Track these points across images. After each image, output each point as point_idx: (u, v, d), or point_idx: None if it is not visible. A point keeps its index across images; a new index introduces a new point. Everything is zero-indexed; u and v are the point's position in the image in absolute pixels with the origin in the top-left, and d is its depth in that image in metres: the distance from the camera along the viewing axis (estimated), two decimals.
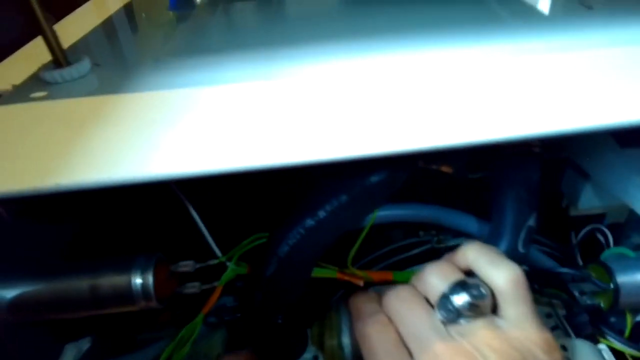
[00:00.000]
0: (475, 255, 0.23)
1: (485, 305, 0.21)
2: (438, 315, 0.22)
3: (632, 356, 0.31)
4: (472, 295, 0.21)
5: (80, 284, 0.25)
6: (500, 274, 0.22)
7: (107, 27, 0.38)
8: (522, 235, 0.25)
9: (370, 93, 0.24)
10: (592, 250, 0.35)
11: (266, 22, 0.39)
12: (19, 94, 0.27)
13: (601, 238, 0.35)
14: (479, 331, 0.20)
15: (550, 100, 0.22)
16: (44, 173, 0.20)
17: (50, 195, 0.19)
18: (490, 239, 0.26)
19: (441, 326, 0.21)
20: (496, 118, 0.21)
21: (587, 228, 0.34)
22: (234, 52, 0.31)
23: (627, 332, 0.31)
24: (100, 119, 0.23)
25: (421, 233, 0.32)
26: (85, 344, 0.31)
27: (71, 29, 0.35)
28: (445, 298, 0.21)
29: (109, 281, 0.25)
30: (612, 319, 0.32)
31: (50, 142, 0.22)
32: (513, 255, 0.25)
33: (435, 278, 0.22)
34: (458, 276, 0.22)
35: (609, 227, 0.35)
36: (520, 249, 0.25)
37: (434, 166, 0.26)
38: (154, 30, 0.39)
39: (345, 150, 0.20)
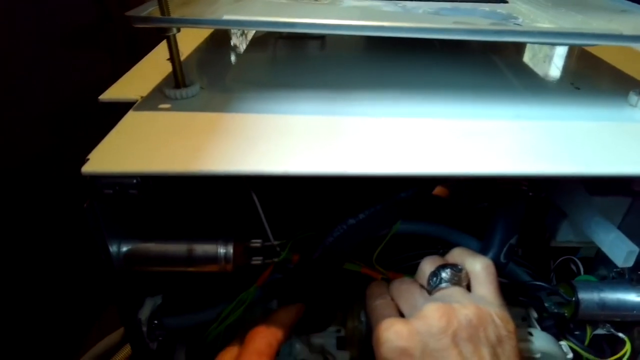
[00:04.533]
0: (459, 252, 0.32)
1: (461, 277, 0.30)
2: (429, 287, 0.30)
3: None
4: (452, 269, 0.29)
5: (181, 247, 0.34)
6: (476, 262, 0.31)
7: (200, 56, 0.48)
8: (505, 249, 0.33)
9: (405, 133, 0.33)
10: (566, 276, 0.43)
11: (318, 59, 0.49)
12: (148, 104, 0.36)
13: (574, 267, 0.43)
14: (454, 292, 0.29)
15: (537, 152, 0.31)
16: (175, 163, 0.29)
17: (167, 180, 0.28)
18: (480, 251, 0.35)
19: (427, 295, 0.30)
20: (496, 159, 0.30)
21: (563, 257, 0.43)
22: (302, 88, 0.40)
23: (587, 341, 0.39)
24: (209, 129, 0.33)
25: (439, 247, 0.41)
26: (158, 299, 0.40)
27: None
28: (432, 274, 0.30)
29: (202, 248, 0.34)
30: (577, 333, 0.41)
31: (179, 142, 0.31)
32: (496, 263, 0.33)
33: (427, 264, 0.32)
34: (443, 262, 0.31)
35: (581, 259, 0.43)
36: (502, 259, 0.34)
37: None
38: (238, 60, 0.49)
39: (382, 169, 0.29)
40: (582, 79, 0.43)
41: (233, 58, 0.51)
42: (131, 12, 0.33)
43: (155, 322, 0.39)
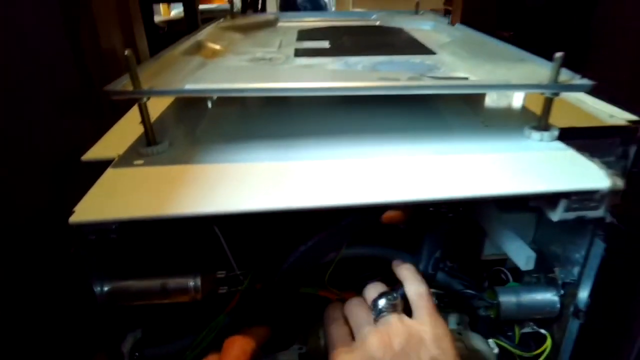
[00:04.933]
0: (403, 274, 0.38)
1: (397, 304, 0.36)
2: (372, 314, 0.36)
3: (519, 356, 0.45)
4: (387, 299, 0.36)
5: (156, 282, 0.40)
6: (411, 288, 0.37)
7: (168, 116, 0.55)
8: (431, 262, 0.40)
9: (344, 170, 0.40)
10: (498, 285, 0.50)
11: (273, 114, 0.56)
12: (124, 161, 0.42)
13: (503, 276, 0.50)
14: (391, 320, 0.35)
15: (451, 179, 0.37)
16: (148, 209, 0.35)
17: (142, 225, 0.34)
18: (413, 263, 0.41)
19: (372, 320, 0.36)
20: (422, 187, 0.36)
21: (494, 269, 0.50)
22: (261, 140, 0.47)
23: (517, 340, 0.45)
24: (177, 179, 0.39)
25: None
26: (138, 333, 0.45)
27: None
28: (374, 302, 0.36)
29: (174, 281, 0.40)
30: (510, 334, 0.47)
31: (151, 192, 0.37)
32: (425, 274, 0.40)
33: (369, 292, 0.38)
34: (383, 289, 0.37)
35: (509, 269, 0.50)
36: (430, 270, 0.40)
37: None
38: (200, 116, 0.56)
39: (324, 202, 0.35)
40: (492, 118, 0.51)
41: (199, 115, 0.58)
42: (108, 87, 0.40)
43: (137, 354, 0.44)
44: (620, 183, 0.35)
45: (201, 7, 1.97)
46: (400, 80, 0.43)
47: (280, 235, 0.43)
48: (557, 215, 0.37)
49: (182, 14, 1.90)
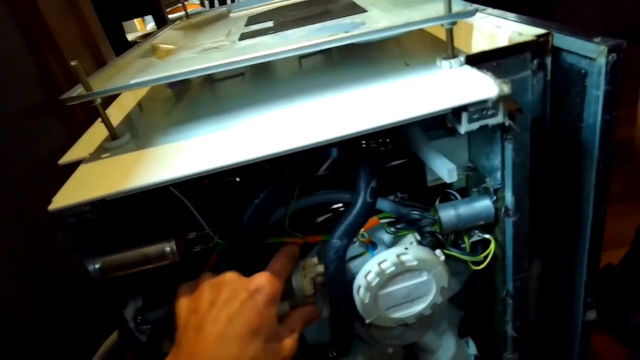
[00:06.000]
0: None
1: None
2: None
3: (470, 262, 0.51)
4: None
5: (137, 252, 0.46)
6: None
7: (133, 114, 0.61)
8: (369, 191, 0.46)
9: (278, 122, 0.45)
10: None
11: (235, 94, 0.62)
12: (94, 157, 0.49)
13: (453, 197, 0.55)
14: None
15: (373, 113, 0.43)
16: (116, 185, 0.41)
17: (113, 202, 0.40)
18: (352, 197, 0.47)
19: None
20: (347, 123, 0.42)
21: (443, 193, 0.55)
22: (207, 117, 0.53)
23: (467, 248, 0.51)
24: (137, 161, 0.45)
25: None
26: (139, 300, 0.51)
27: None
28: None
29: (152, 249, 0.46)
30: (463, 245, 0.52)
31: (115, 175, 0.43)
32: (364, 203, 0.45)
33: None
34: None
35: (457, 190, 0.55)
36: (368, 199, 0.46)
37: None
38: (161, 108, 0.62)
39: (262, 152, 0.41)
40: (413, 57, 0.56)
41: (153, 109, 0.64)
42: (63, 96, 0.46)
43: (139, 318, 0.50)
44: (506, 89, 0.40)
45: (173, 15, 2.02)
46: (311, 41, 0.48)
47: (238, 192, 0.49)
48: (462, 127, 0.42)
49: None
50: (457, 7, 0.46)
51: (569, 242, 0.59)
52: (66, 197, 0.41)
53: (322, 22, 0.67)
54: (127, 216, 0.49)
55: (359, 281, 0.45)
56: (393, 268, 0.44)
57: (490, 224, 0.50)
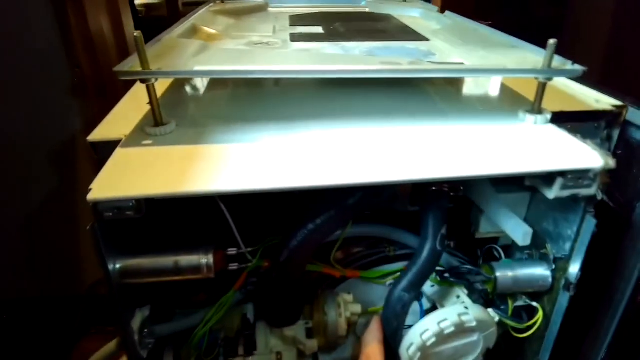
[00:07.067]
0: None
1: None
2: None
3: (511, 327, 0.48)
4: None
5: (169, 260, 0.40)
6: None
7: (164, 101, 0.55)
8: (439, 239, 0.42)
9: (350, 150, 0.41)
10: (490, 261, 0.53)
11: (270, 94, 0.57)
12: (132, 141, 0.43)
13: (496, 253, 0.52)
14: None
15: (452, 160, 0.39)
16: (166, 186, 0.35)
17: (155, 202, 0.35)
18: (420, 243, 0.43)
19: None
20: (426, 167, 0.38)
21: (487, 246, 0.52)
22: (264, 121, 0.48)
23: (510, 312, 0.48)
24: (188, 159, 0.39)
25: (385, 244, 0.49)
26: (146, 310, 0.46)
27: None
28: None
29: (186, 259, 0.40)
30: (502, 307, 0.49)
31: (164, 171, 0.38)
32: (434, 251, 0.42)
33: None
34: None
35: (502, 246, 0.53)
36: (438, 247, 0.42)
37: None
38: (204, 100, 0.56)
39: (331, 180, 0.37)
40: (487, 102, 0.54)
41: (198, 97, 0.58)
42: (117, 67, 0.40)
43: (146, 330, 0.44)
44: (612, 163, 0.37)
45: None
46: (403, 65, 0.45)
47: (287, 212, 0.44)
48: (552, 193, 0.39)
49: None
50: (555, 63, 0.43)
51: (597, 315, 0.57)
52: (108, 187, 0.35)
53: (381, 40, 0.64)
54: (155, 217, 0.43)
55: (413, 339, 0.41)
56: (453, 329, 0.41)
57: (539, 292, 0.47)
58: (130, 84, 0.60)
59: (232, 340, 0.48)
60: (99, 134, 0.46)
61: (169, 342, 0.48)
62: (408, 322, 0.44)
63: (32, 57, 0.61)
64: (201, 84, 0.62)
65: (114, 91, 0.81)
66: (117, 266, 0.40)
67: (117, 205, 0.35)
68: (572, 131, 0.45)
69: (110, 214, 0.36)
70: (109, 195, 0.35)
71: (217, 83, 0.62)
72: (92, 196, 0.34)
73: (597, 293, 0.56)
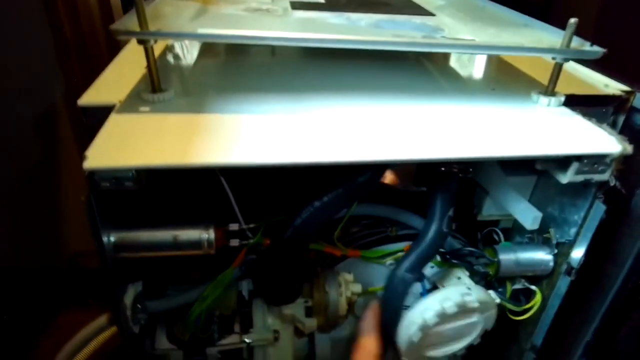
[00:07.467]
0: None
1: None
2: None
3: (508, 309, 0.48)
4: None
5: (167, 234, 0.38)
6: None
7: (169, 65, 0.52)
8: (445, 220, 0.41)
9: (359, 126, 0.39)
10: (490, 244, 0.52)
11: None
12: (128, 107, 0.40)
13: (496, 236, 0.52)
14: None
15: (463, 140, 0.38)
16: (171, 157, 0.33)
17: (154, 173, 0.32)
18: (426, 224, 0.42)
19: None
20: (433, 146, 0.37)
21: (487, 229, 0.52)
22: (266, 91, 0.45)
23: (508, 295, 0.48)
24: (190, 128, 0.37)
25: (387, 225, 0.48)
26: (139, 286, 0.43)
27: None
28: None
29: (186, 233, 0.38)
30: (500, 289, 0.49)
31: (166, 140, 0.35)
32: (440, 232, 0.41)
33: None
34: None
35: (501, 229, 0.52)
36: (444, 229, 0.41)
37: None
38: (202, 66, 0.53)
39: (342, 157, 0.35)
40: (497, 82, 0.52)
41: (189, 66, 0.55)
42: (114, 26, 0.37)
43: (139, 306, 0.42)
44: (629, 148, 0.37)
45: None
46: (419, 39, 0.43)
47: (289, 189, 0.43)
48: (567, 177, 0.38)
49: None
50: (574, 43, 0.42)
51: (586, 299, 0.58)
52: (105, 155, 0.33)
53: (386, 13, 0.61)
54: (151, 189, 0.40)
55: (414, 318, 0.41)
56: (455, 309, 0.40)
57: (539, 276, 0.47)
58: (116, 49, 0.56)
59: (227, 318, 0.46)
60: (89, 98, 0.43)
61: (160, 318, 0.46)
62: (407, 303, 0.43)
63: (13, 21, 0.56)
64: (192, 52, 0.59)
65: (97, 56, 0.76)
66: (112, 239, 0.38)
67: (116, 175, 0.33)
68: (585, 115, 0.44)
69: (107, 185, 0.33)
70: (107, 164, 0.32)
71: (209, 51, 0.58)
72: (88, 165, 0.32)
73: (588, 277, 0.57)
